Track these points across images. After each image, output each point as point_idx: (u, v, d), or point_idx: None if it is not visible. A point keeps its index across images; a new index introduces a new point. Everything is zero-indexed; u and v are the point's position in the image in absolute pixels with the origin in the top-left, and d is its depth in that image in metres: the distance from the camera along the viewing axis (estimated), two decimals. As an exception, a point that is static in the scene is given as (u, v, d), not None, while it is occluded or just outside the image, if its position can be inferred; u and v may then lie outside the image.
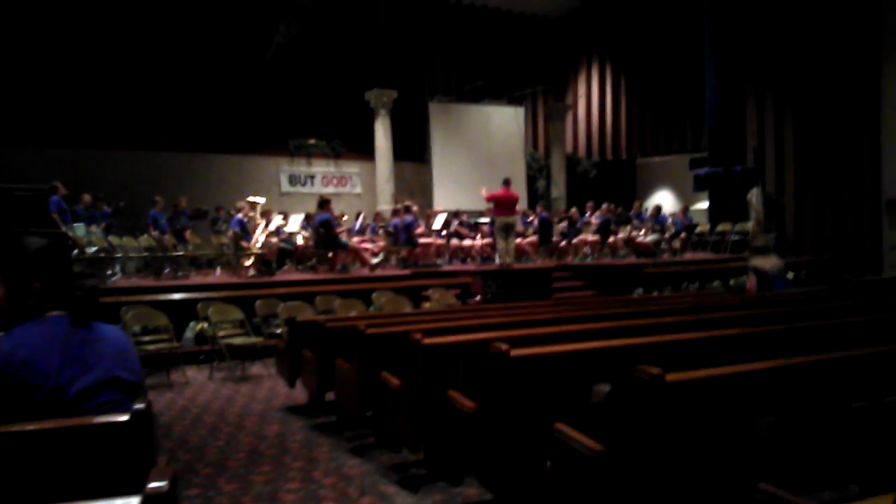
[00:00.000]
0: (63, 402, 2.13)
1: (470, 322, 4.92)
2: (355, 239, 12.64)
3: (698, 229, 15.73)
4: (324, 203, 11.39)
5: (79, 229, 10.82)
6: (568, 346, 3.48)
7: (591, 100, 21.41)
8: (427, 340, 3.91)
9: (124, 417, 2.21)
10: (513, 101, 19.49)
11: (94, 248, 10.51)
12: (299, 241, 12.58)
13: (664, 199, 20.12)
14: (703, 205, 17.28)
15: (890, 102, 14.16)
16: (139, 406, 2.23)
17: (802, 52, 15.22)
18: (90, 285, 2.35)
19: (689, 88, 17.93)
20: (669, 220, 14.97)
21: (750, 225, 14.79)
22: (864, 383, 2.90)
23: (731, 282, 11.62)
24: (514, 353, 3.19)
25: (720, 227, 15.25)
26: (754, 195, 14.74)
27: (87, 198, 11.85)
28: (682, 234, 14.72)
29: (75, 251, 10.27)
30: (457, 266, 12.69)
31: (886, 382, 2.93)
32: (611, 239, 14.02)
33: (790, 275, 6.94)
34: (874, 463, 2.80)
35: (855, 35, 14.44)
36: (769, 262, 6.72)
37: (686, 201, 18.33)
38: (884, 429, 2.82)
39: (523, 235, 13.70)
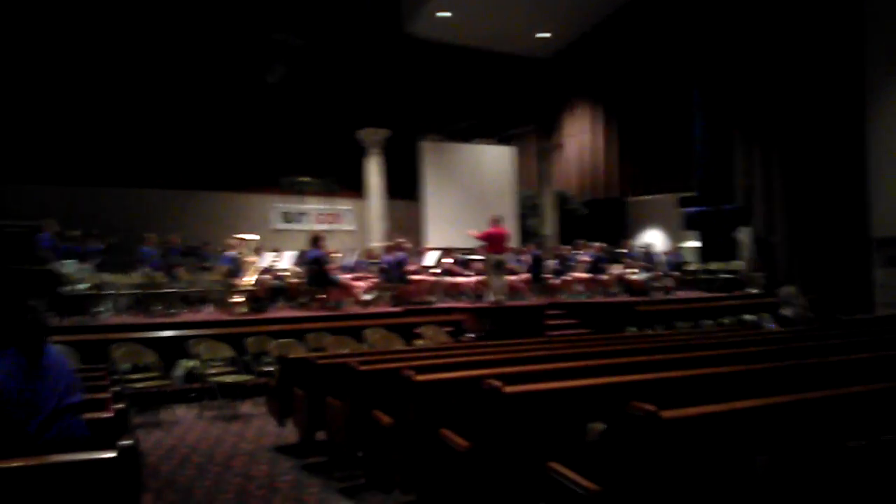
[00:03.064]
0: (26, 437, 2.11)
1: (463, 359, 4.89)
2: (347, 276, 12.61)
3: (689, 267, 15.80)
4: (316, 240, 11.40)
5: (70, 266, 10.76)
6: (562, 383, 3.47)
7: (581, 139, 21.64)
8: (420, 377, 3.88)
9: (111, 454, 2.18)
10: (503, 140, 19.71)
11: (84, 285, 10.44)
12: (291, 277, 12.53)
13: (654, 238, 20.25)
14: (694, 243, 17.39)
15: (875, 142, 14.40)
16: (126, 442, 2.20)
17: (789, 92, 15.50)
18: (41, 318, 2.34)
19: (678, 128, 18.18)
20: (661, 259, 15.04)
21: (740, 263, 14.89)
22: (859, 422, 2.88)
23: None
24: (508, 389, 3.17)
25: (711, 266, 15.33)
26: (744, 234, 14.86)
27: (76, 234, 11.82)
28: (674, 273, 14.77)
29: (66, 288, 10.20)
30: (449, 303, 12.65)
31: (882, 421, 2.92)
32: (602, 277, 14.05)
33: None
34: (869, 502, 2.77)
35: (839, 78, 14.75)
36: (791, 311, 6.99)
37: (676, 240, 18.44)
38: (879, 468, 2.80)
39: (515, 273, 13.70)
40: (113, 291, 10.99)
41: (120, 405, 3.32)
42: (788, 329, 6.80)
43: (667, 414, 2.40)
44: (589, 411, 3.28)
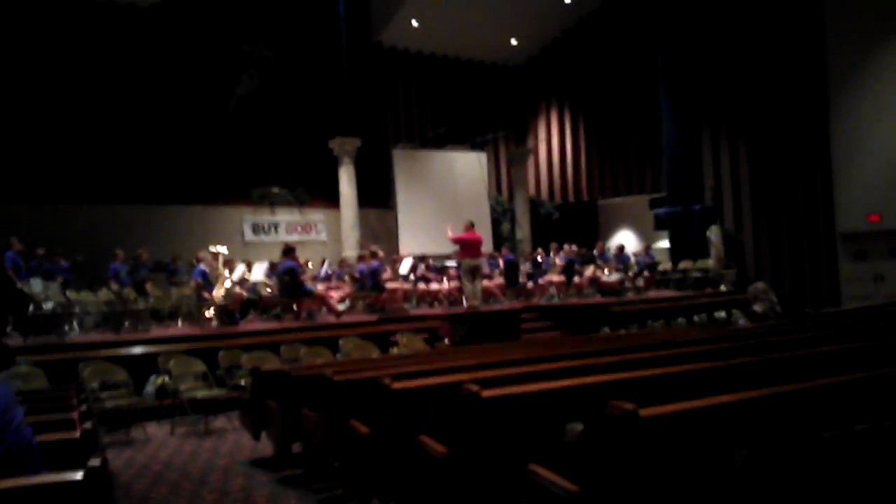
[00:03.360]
0: None
1: (440, 365, 4.85)
2: (321, 286, 12.51)
3: (661, 267, 15.96)
4: (288, 251, 11.29)
5: (35, 285, 10.52)
6: (540, 385, 3.45)
7: (552, 144, 21.80)
8: (397, 384, 3.84)
9: (78, 476, 2.10)
10: (475, 146, 19.76)
11: (50, 304, 10.20)
12: (263, 289, 12.40)
13: (626, 239, 20.42)
14: (665, 243, 17.57)
15: (838, 138, 14.72)
16: (94, 463, 2.12)
17: (754, 92, 15.79)
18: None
19: (647, 131, 18.42)
20: (632, 260, 15.17)
21: (710, 262, 15.07)
22: (833, 413, 2.91)
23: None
24: (486, 393, 3.14)
25: (682, 265, 15.50)
26: (713, 232, 15.06)
27: (40, 252, 11.57)
28: (646, 273, 14.90)
29: (32, 307, 9.96)
30: (424, 310, 12.62)
31: (855, 411, 2.95)
32: (576, 279, 14.11)
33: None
34: (847, 492, 2.79)
35: (803, 75, 15.06)
36: (762, 306, 7.10)
37: (647, 240, 18.63)
38: (854, 457, 2.82)
39: (490, 277, 13.72)
40: (80, 310, 10.76)
41: (87, 425, 3.22)
42: (760, 325, 6.88)
43: (645, 412, 2.39)
44: (567, 412, 3.27)
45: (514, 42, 20.37)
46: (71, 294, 10.91)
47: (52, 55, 14.43)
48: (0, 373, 2.10)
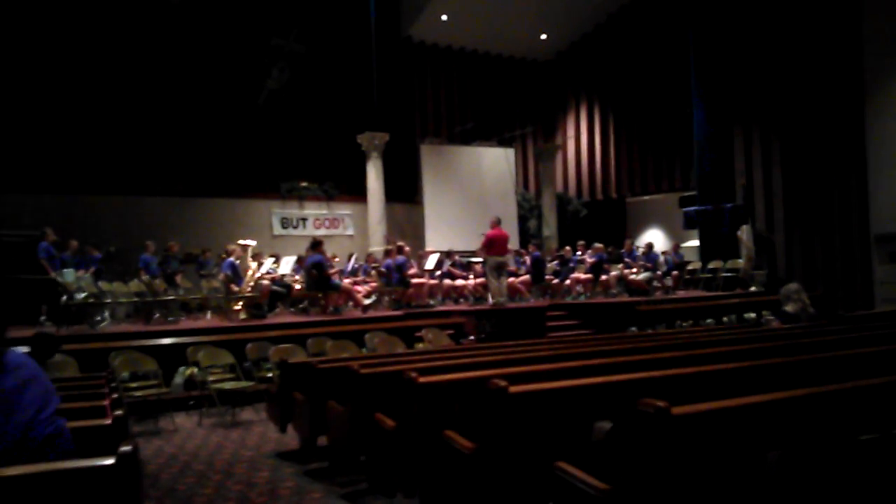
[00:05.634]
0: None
1: (466, 360, 4.83)
2: (347, 280, 12.57)
3: (690, 267, 15.76)
4: (316, 244, 11.35)
5: (68, 275, 10.71)
6: (567, 382, 3.41)
7: (581, 140, 21.64)
8: (423, 378, 3.83)
9: (110, 461, 2.12)
10: (503, 142, 19.70)
11: (83, 294, 10.38)
12: (291, 283, 12.49)
13: (655, 238, 20.20)
14: (694, 242, 17.35)
15: (874, 138, 14.37)
16: (125, 449, 2.14)
17: (788, 90, 15.48)
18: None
19: (677, 127, 18.17)
20: (661, 258, 14.99)
21: (741, 262, 14.84)
22: (871, 415, 2.83)
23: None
24: (514, 389, 3.12)
25: (711, 265, 15.29)
26: (744, 232, 14.82)
27: (73, 243, 11.78)
28: (674, 272, 14.72)
29: (65, 297, 10.15)
30: (450, 306, 12.61)
31: (894, 414, 2.87)
32: (603, 277, 13.99)
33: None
34: (884, 497, 2.72)
35: (838, 74, 14.72)
36: (794, 307, 6.98)
37: (677, 239, 18.40)
38: (892, 461, 2.74)
39: (516, 274, 13.66)
40: (111, 300, 10.93)
41: (118, 412, 3.26)
42: (793, 326, 6.75)
43: (677, 410, 2.35)
44: (595, 410, 3.23)
45: (543, 37, 20.26)
46: (103, 284, 11.08)
47: (85, 47, 14.61)
48: (44, 362, 2.14)
